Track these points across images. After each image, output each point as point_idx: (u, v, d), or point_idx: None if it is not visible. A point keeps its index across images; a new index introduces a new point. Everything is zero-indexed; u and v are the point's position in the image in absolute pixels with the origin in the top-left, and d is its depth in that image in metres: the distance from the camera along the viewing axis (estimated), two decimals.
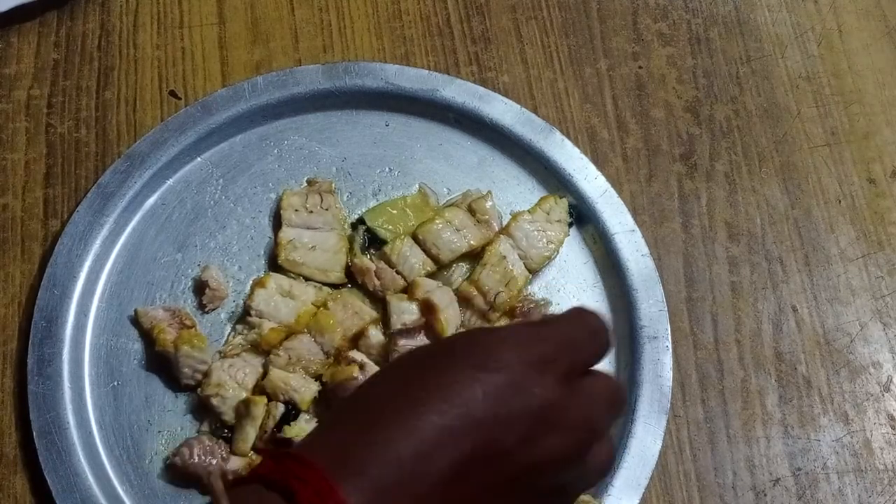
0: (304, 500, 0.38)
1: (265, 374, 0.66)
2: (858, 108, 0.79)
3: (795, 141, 0.78)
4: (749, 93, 0.79)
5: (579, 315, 0.49)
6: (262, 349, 0.66)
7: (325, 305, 0.68)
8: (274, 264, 0.70)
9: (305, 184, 0.73)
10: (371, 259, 0.69)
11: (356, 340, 0.67)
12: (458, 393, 0.41)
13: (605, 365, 0.69)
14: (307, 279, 0.69)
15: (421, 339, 0.67)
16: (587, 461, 0.45)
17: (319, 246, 0.70)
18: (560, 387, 0.43)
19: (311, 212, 0.71)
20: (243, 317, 0.68)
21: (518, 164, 0.75)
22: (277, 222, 0.71)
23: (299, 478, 0.38)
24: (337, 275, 0.70)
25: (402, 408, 0.41)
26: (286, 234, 0.70)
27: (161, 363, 0.67)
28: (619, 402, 0.48)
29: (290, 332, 0.67)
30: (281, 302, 0.67)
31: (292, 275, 0.69)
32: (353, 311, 0.67)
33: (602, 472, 0.47)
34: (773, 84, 0.80)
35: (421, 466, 0.40)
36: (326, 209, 0.71)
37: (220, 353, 0.67)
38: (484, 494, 0.41)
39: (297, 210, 0.71)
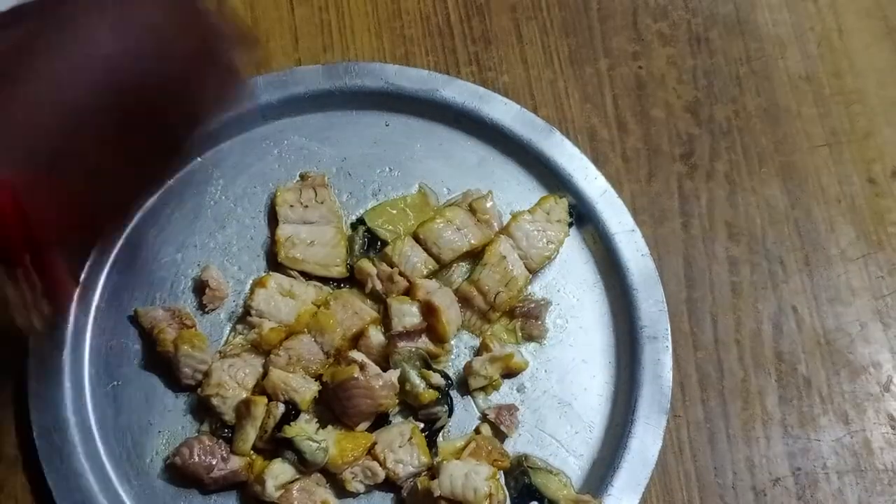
0: None
1: (265, 374, 0.66)
2: (859, 108, 0.79)
3: (795, 141, 0.78)
4: (749, 93, 0.79)
5: None
6: (262, 349, 0.66)
7: (325, 305, 0.68)
8: (274, 262, 0.70)
9: (298, 179, 0.73)
10: (373, 262, 0.69)
11: (356, 340, 0.67)
12: (77, 34, 0.42)
13: (606, 365, 0.69)
14: (308, 276, 0.69)
15: (422, 341, 0.67)
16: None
17: (318, 241, 0.70)
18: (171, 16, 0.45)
19: (307, 206, 0.71)
20: (243, 316, 0.68)
21: (518, 164, 0.75)
22: (273, 220, 0.71)
23: None
24: (338, 269, 0.70)
25: (24, 59, 0.41)
26: (283, 230, 0.70)
27: (161, 363, 0.67)
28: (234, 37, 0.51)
29: (290, 332, 0.67)
30: (281, 301, 0.67)
31: (293, 273, 0.69)
32: (353, 311, 0.67)
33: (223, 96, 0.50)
34: (773, 84, 0.80)
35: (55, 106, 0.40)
36: (321, 203, 0.71)
37: (220, 353, 0.67)
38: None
39: (291, 206, 0.71)
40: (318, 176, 0.73)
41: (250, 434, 0.64)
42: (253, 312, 0.67)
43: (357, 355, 0.65)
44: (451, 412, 0.67)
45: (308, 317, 0.67)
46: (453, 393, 0.67)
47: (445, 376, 0.66)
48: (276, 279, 0.68)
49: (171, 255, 0.71)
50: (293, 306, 0.68)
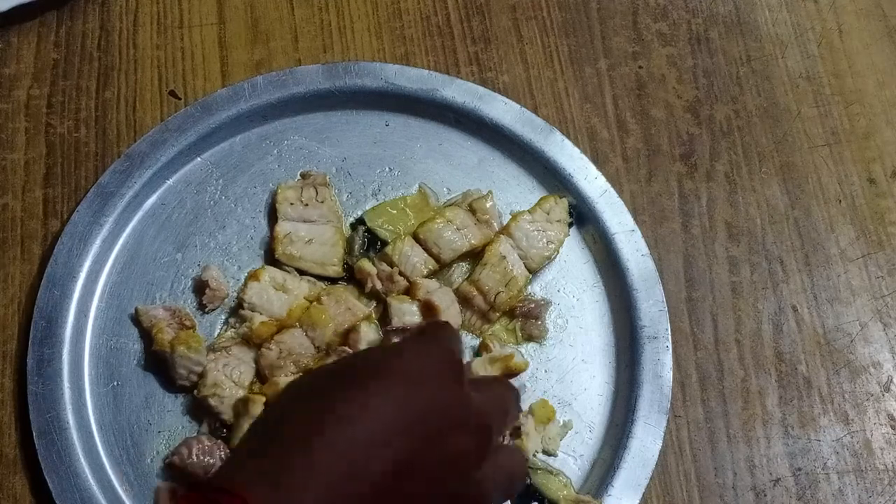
0: None
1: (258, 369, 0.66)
2: (858, 108, 0.79)
3: (795, 141, 0.78)
4: (749, 93, 0.79)
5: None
6: (253, 342, 0.66)
7: (318, 300, 0.67)
8: (271, 258, 0.70)
9: (300, 177, 0.73)
10: (373, 262, 0.69)
11: (347, 336, 0.67)
12: (366, 407, 0.43)
13: (606, 365, 0.69)
14: (304, 273, 0.69)
15: None
16: (497, 459, 0.47)
17: (316, 239, 0.70)
18: (459, 387, 0.46)
19: (307, 205, 0.71)
20: (235, 309, 0.68)
21: (518, 164, 0.75)
22: (273, 217, 0.72)
23: None
24: (334, 268, 0.70)
25: (315, 429, 0.42)
26: (282, 227, 0.70)
27: (161, 363, 0.67)
28: (514, 402, 0.52)
29: (281, 326, 0.67)
30: (274, 295, 0.67)
31: (287, 268, 0.69)
32: (345, 307, 0.67)
33: (512, 475, 0.50)
34: (773, 84, 0.80)
35: (343, 483, 0.41)
36: (322, 202, 0.71)
37: (211, 347, 0.67)
38: (406, 495, 0.43)
39: (292, 203, 0.71)
40: (319, 175, 0.73)
41: None
42: (245, 305, 0.67)
43: (348, 351, 0.65)
44: None
45: (300, 311, 0.67)
46: None
47: None
48: (269, 272, 0.68)
49: (171, 255, 0.71)
50: (286, 300, 0.67)
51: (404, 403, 0.44)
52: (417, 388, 0.45)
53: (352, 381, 0.45)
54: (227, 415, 0.65)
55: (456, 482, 0.46)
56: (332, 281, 0.70)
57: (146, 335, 0.68)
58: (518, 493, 0.62)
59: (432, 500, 0.45)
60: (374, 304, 0.69)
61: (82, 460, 0.64)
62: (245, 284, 0.68)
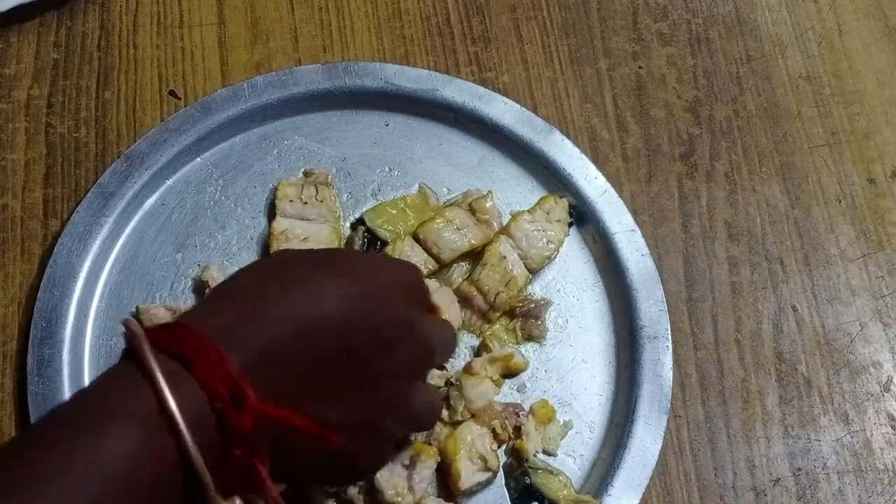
0: (199, 368, 0.42)
1: None
2: (858, 108, 0.79)
3: (795, 141, 0.78)
4: (749, 93, 0.79)
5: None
6: None
7: None
8: (266, 255, 0.70)
9: (302, 175, 0.73)
10: None
11: None
12: (321, 291, 0.47)
13: (606, 365, 0.69)
14: None
15: None
16: (422, 387, 0.52)
17: (312, 238, 0.70)
18: (413, 309, 0.51)
19: (306, 203, 0.71)
20: None
21: (518, 164, 0.75)
22: (271, 213, 0.72)
23: (195, 348, 0.43)
24: None
25: (281, 292, 0.46)
26: (280, 224, 0.70)
27: None
28: (453, 340, 0.58)
29: None
30: None
31: None
32: None
33: (435, 406, 0.55)
34: (773, 84, 0.80)
35: (290, 344, 0.45)
36: (321, 201, 0.71)
37: None
38: (340, 388, 0.46)
39: (291, 200, 0.71)
40: (322, 174, 0.73)
41: None
42: None
43: None
44: None
45: None
46: None
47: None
48: None
49: (171, 255, 0.71)
50: None
51: (368, 299, 0.47)
52: (381, 291, 0.48)
53: (321, 267, 0.48)
54: None
55: (391, 386, 0.49)
56: None
57: None
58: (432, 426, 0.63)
59: (365, 398, 0.48)
60: None
61: None
62: None
